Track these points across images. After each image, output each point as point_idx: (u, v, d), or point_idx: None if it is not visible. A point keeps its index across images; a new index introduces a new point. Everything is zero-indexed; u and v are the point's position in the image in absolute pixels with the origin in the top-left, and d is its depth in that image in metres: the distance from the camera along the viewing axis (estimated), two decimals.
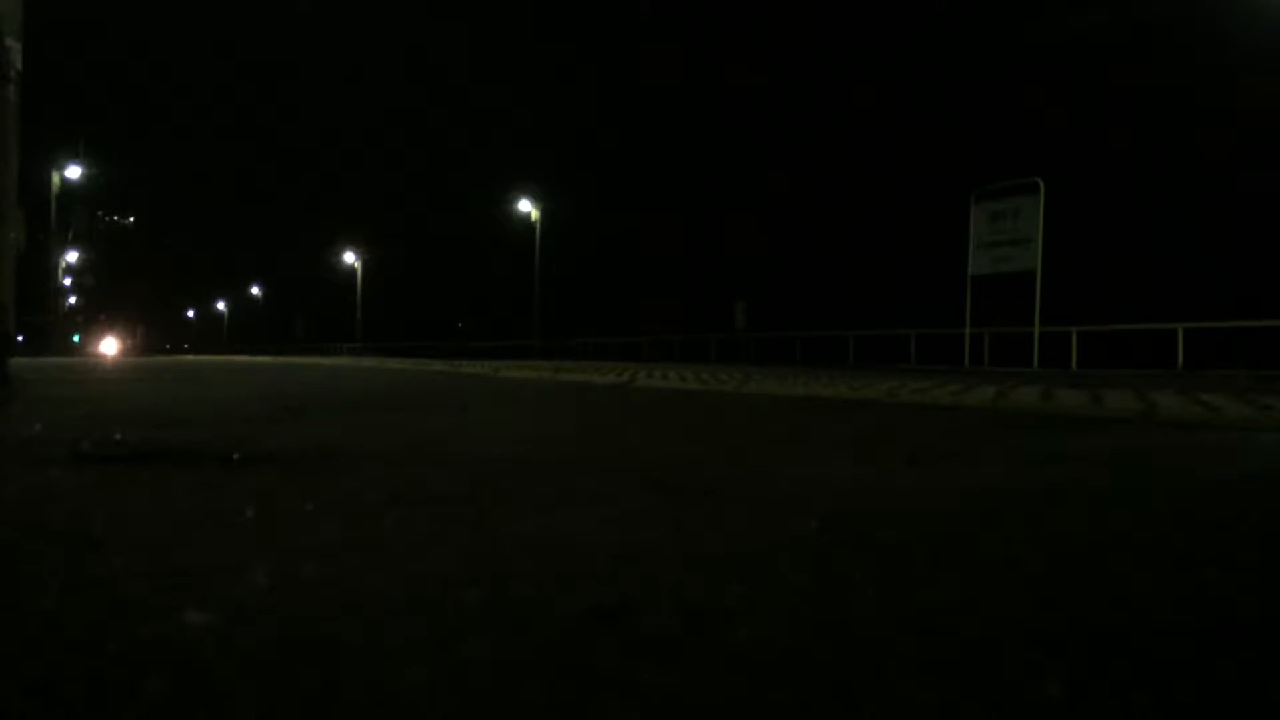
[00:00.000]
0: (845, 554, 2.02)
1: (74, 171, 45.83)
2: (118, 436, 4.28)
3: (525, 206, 46.81)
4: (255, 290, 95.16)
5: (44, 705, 1.15)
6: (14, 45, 8.12)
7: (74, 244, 59.53)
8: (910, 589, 1.73)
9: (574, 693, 1.21)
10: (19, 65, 8.20)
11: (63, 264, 55.57)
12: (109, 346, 61.75)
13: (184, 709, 1.15)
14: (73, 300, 67.36)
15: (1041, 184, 22.16)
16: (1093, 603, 1.65)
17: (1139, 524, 2.45)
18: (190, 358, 44.07)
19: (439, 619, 1.51)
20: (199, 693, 1.20)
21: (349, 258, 65.71)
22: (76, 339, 63.53)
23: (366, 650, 1.36)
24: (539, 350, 43.75)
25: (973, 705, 1.19)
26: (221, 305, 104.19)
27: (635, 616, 1.53)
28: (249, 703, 1.17)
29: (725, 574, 1.83)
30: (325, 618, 1.52)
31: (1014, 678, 1.29)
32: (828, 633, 1.46)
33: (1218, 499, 2.91)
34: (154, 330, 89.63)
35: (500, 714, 1.15)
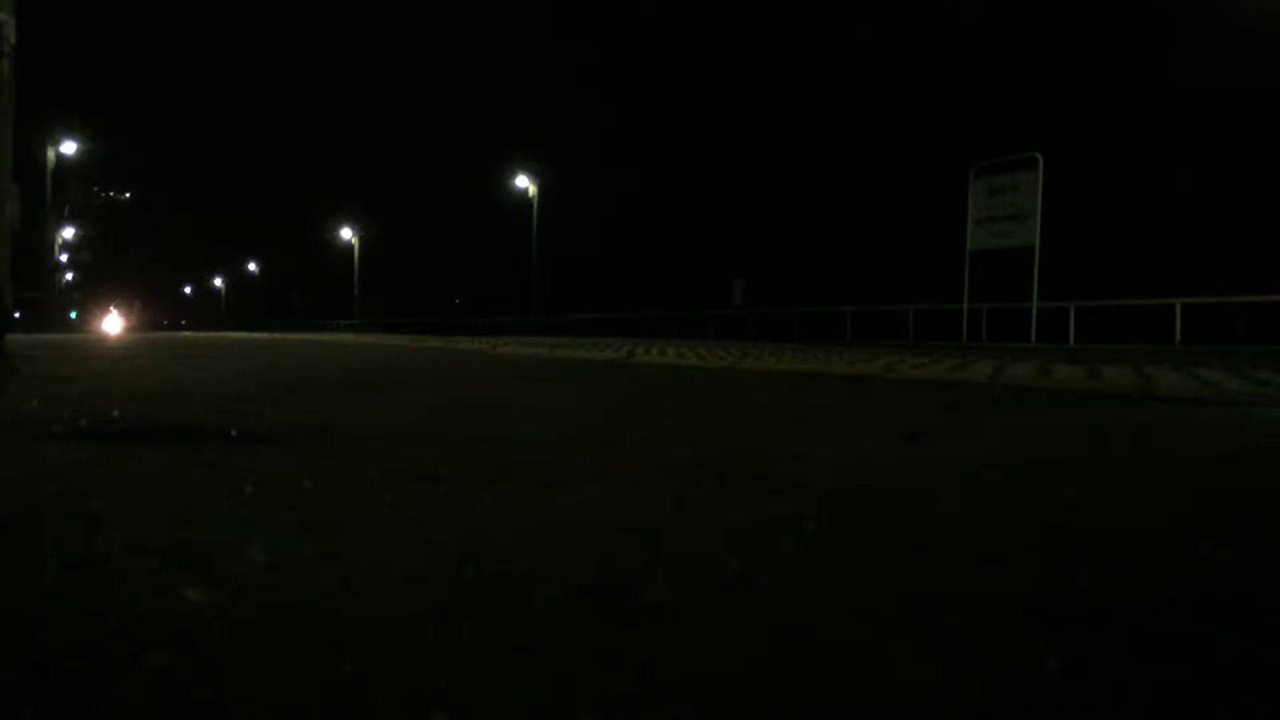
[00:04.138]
0: (844, 528, 2.02)
1: (70, 147, 45.65)
2: (116, 413, 4.27)
3: (523, 182, 46.69)
4: (252, 267, 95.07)
5: (44, 681, 1.16)
6: (7, 19, 8.06)
7: (70, 220, 59.25)
8: (909, 562, 1.74)
9: (573, 666, 1.21)
10: (12, 39, 8.14)
11: (59, 240, 55.39)
12: (112, 324, 61.53)
13: (184, 684, 1.15)
14: (69, 277, 67.14)
15: (1040, 159, 22.11)
16: (1092, 576, 1.66)
17: (1137, 498, 2.46)
18: (187, 334, 44.04)
19: (438, 594, 1.51)
20: (199, 668, 1.20)
21: (346, 234, 65.57)
22: (74, 316, 63.36)
23: (365, 625, 1.36)
24: (536, 327, 43.77)
25: (972, 678, 1.19)
26: (219, 282, 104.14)
27: (634, 591, 1.53)
28: (249, 677, 1.17)
29: (725, 548, 1.83)
30: (324, 593, 1.52)
31: (1013, 650, 1.29)
32: (827, 606, 1.47)
33: (1215, 473, 2.92)
34: (151, 307, 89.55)
35: (499, 687, 1.15)
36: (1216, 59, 34.48)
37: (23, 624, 1.38)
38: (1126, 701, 1.14)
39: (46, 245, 48.75)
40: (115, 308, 66.94)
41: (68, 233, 58.90)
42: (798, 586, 1.57)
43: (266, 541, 1.84)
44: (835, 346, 18.72)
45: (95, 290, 75.65)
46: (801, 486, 2.54)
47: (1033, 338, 22.15)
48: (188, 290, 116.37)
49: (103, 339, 26.30)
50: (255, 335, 35.21)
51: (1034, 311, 22.37)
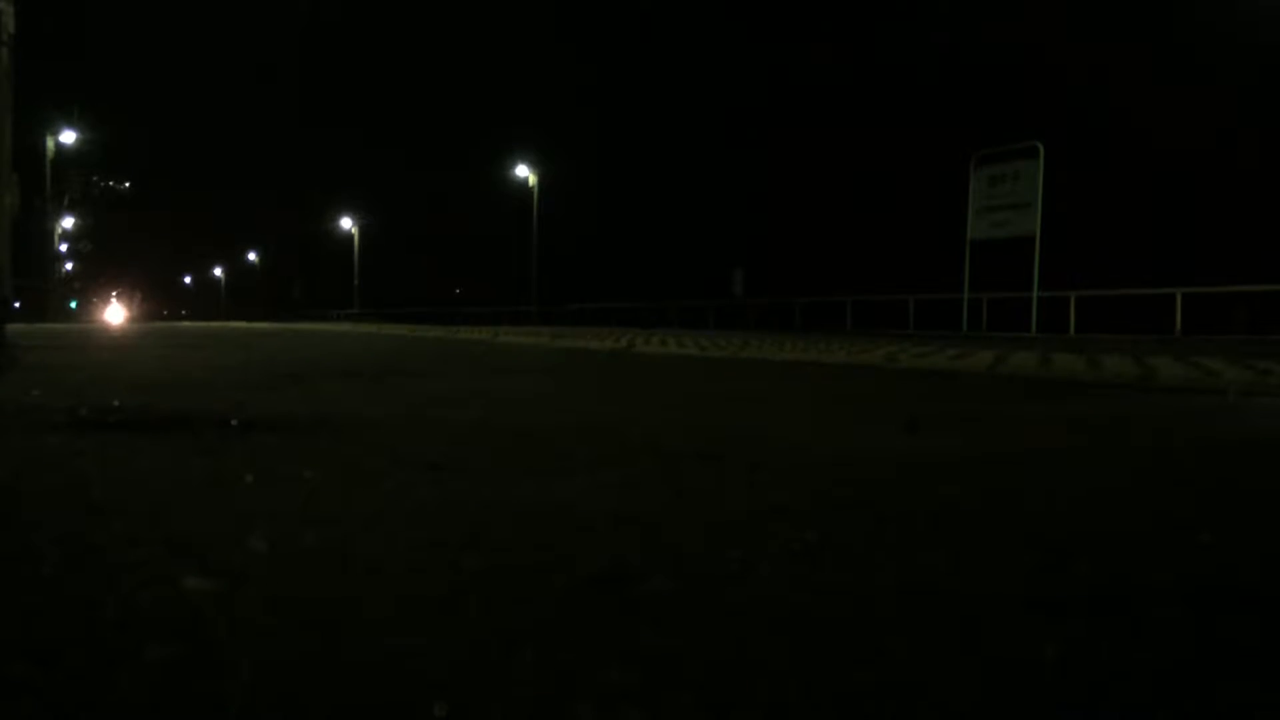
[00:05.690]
0: (844, 518, 2.03)
1: (69, 137, 45.55)
2: (116, 403, 4.27)
3: (523, 171, 46.62)
4: (252, 257, 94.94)
5: (45, 671, 1.16)
6: (6, 8, 8.03)
7: (70, 210, 59.19)
8: (909, 553, 1.74)
9: (574, 655, 1.21)
10: (11, 28, 8.12)
11: (59, 230, 55.31)
12: (115, 314, 61.37)
13: (185, 673, 1.15)
14: (69, 267, 67.06)
15: (1041, 148, 22.06)
16: (1091, 566, 1.66)
17: (1138, 488, 2.46)
18: (188, 324, 43.99)
19: (438, 584, 1.51)
20: (200, 657, 1.20)
21: (346, 224, 65.48)
22: (74, 306, 63.30)
23: (366, 616, 1.37)
24: (537, 316, 43.74)
25: (971, 666, 1.19)
26: (219, 271, 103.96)
27: (634, 580, 1.53)
28: (249, 667, 1.17)
29: (724, 538, 1.83)
30: (324, 583, 1.52)
31: (1013, 640, 1.29)
32: (827, 596, 1.47)
33: (1216, 463, 2.92)
34: (151, 297, 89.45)
35: (500, 676, 1.15)
36: (1217, 47, 34.40)
37: (24, 614, 1.38)
38: (1125, 690, 1.14)
39: (46, 235, 48.67)
40: (117, 298, 66.97)
41: (67, 222, 58.82)
42: (797, 576, 1.57)
43: (267, 531, 1.84)
44: (835, 336, 18.71)
45: (95, 280, 75.69)
46: (801, 477, 2.54)
47: (1033, 328, 22.13)
48: (188, 280, 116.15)
49: (105, 329, 26.28)
50: (256, 325, 35.17)
51: (1034, 301, 22.34)
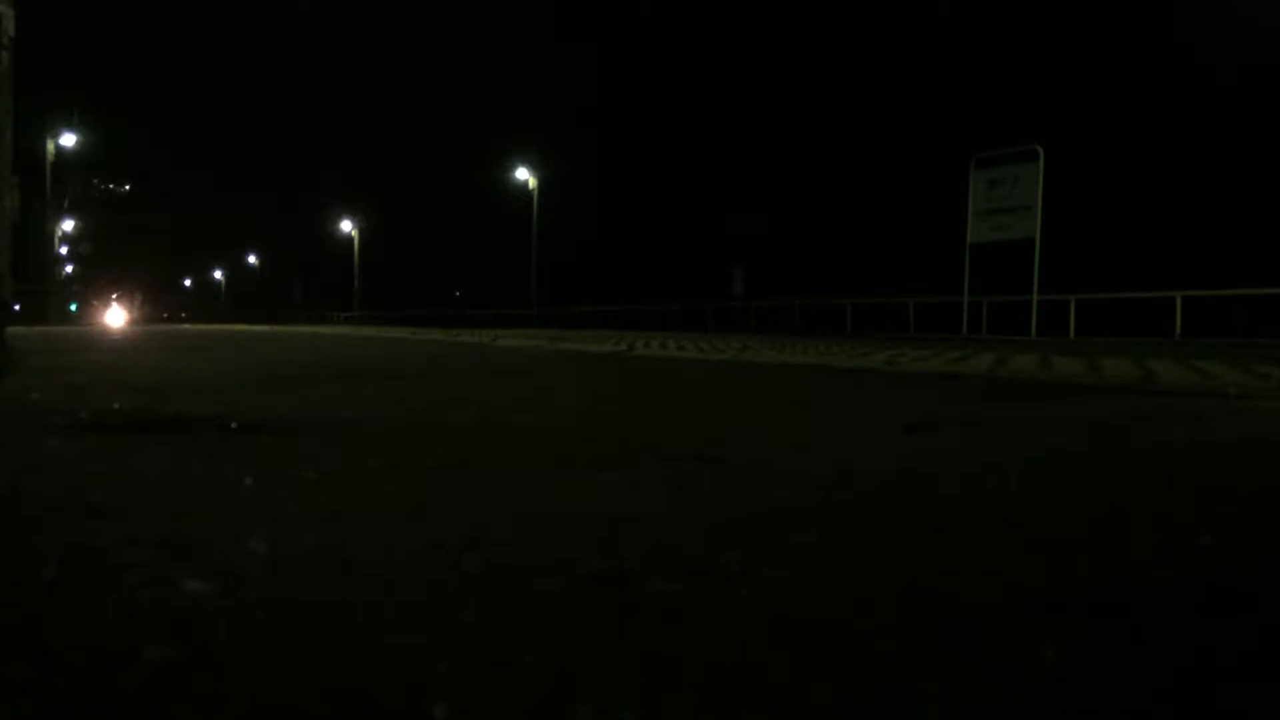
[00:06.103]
0: (844, 519, 2.03)
1: (69, 139, 45.58)
2: (116, 405, 4.27)
3: (523, 174, 46.66)
4: (252, 259, 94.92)
5: (45, 673, 1.16)
6: (6, 11, 8.04)
7: (70, 212, 59.23)
8: (909, 554, 1.74)
9: (575, 657, 1.21)
10: (12, 31, 8.12)
11: (59, 232, 55.33)
12: (115, 317, 61.31)
13: (185, 675, 1.15)
14: (69, 269, 67.09)
15: (1041, 151, 22.09)
16: (1092, 568, 1.66)
17: (1138, 490, 2.46)
18: (188, 327, 43.99)
19: (439, 585, 1.51)
20: (199, 659, 1.20)
21: (346, 226, 65.49)
22: (74, 308, 63.32)
23: (366, 617, 1.37)
24: (536, 319, 43.75)
25: (971, 668, 1.19)
26: (219, 274, 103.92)
27: (635, 581, 1.53)
28: (249, 669, 1.17)
29: (725, 540, 1.83)
30: (325, 585, 1.52)
31: (1013, 642, 1.29)
32: (827, 597, 1.47)
33: (1216, 466, 2.92)
34: (151, 299, 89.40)
35: (500, 678, 1.15)
36: (1217, 46, 34.39)
37: (24, 616, 1.38)
38: (1125, 691, 1.14)
39: (46, 238, 48.70)
40: (117, 300, 66.94)
41: (67, 225, 58.85)
42: (798, 578, 1.57)
43: (266, 533, 1.84)
44: (836, 339, 18.73)
45: (95, 283, 75.76)
46: (802, 479, 2.54)
47: (1033, 331, 22.15)
48: (188, 283, 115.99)
49: (105, 332, 26.27)
50: (256, 328, 35.17)
51: (1034, 304, 22.36)
